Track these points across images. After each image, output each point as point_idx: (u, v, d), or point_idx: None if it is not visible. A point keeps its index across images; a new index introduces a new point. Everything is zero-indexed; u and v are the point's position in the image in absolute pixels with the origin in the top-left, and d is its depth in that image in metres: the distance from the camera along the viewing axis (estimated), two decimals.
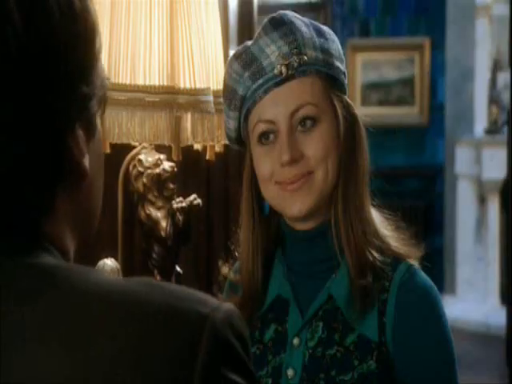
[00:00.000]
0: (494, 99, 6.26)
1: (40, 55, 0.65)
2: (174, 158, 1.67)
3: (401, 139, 6.56)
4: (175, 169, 1.80)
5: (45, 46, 0.65)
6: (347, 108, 1.27)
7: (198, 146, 1.77)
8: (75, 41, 0.68)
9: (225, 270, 1.39)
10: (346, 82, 1.30)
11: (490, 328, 5.73)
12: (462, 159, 6.25)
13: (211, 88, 1.65)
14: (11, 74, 0.63)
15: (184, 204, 1.80)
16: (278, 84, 1.23)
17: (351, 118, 1.27)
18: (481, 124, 6.31)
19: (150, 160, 1.79)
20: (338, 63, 1.28)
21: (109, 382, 0.59)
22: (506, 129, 5.11)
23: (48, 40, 0.65)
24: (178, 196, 1.82)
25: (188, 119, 1.63)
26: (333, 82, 1.26)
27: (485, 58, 6.27)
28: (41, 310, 0.62)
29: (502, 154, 4.95)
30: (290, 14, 1.27)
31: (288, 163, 1.21)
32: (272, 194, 1.26)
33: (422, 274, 1.25)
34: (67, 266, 0.67)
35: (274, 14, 1.27)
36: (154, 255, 1.81)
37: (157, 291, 0.63)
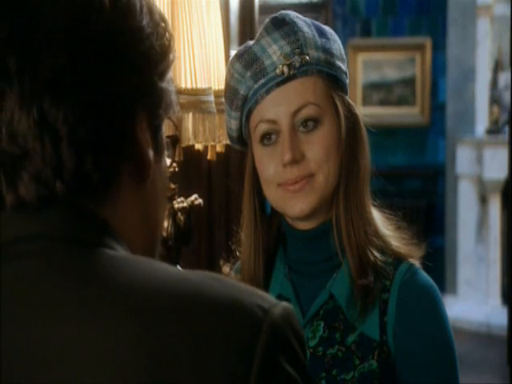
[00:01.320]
0: (495, 99, 6.25)
1: (125, 36, 0.70)
2: (176, 157, 1.67)
3: (402, 139, 6.56)
4: (176, 169, 1.80)
5: (129, 28, 0.71)
6: (348, 108, 1.27)
7: (199, 146, 1.77)
8: (156, 37, 0.74)
9: (226, 269, 1.39)
10: (347, 81, 1.30)
11: (492, 328, 5.73)
12: (463, 159, 6.24)
13: (212, 88, 1.65)
14: (97, 48, 0.68)
15: (185, 204, 1.80)
16: (279, 84, 1.23)
17: (352, 118, 1.27)
18: (482, 124, 6.30)
19: None
20: (339, 63, 1.28)
21: (168, 372, 0.60)
22: (507, 129, 5.11)
23: (131, 25, 0.71)
24: (179, 196, 1.82)
25: (189, 119, 1.63)
26: (334, 81, 1.26)
27: (486, 57, 6.27)
28: (97, 297, 0.63)
29: (503, 153, 4.94)
30: (292, 13, 1.27)
31: (289, 163, 1.21)
32: (275, 197, 1.26)
33: (423, 274, 1.25)
34: (131, 256, 0.69)
35: (276, 14, 1.27)
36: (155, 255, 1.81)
37: (220, 284, 0.65)
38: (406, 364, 1.21)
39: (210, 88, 1.64)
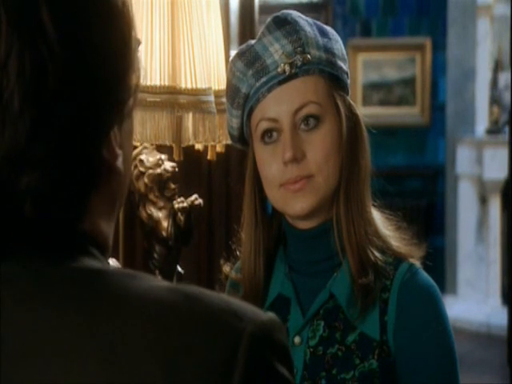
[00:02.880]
0: (495, 99, 6.25)
1: (75, 65, 0.63)
2: (176, 158, 1.67)
3: (402, 139, 6.56)
4: (176, 169, 1.80)
5: (80, 55, 0.63)
6: (349, 108, 1.27)
7: (199, 146, 1.77)
8: (111, 45, 0.66)
9: (226, 269, 1.39)
10: (348, 82, 1.30)
11: (492, 328, 5.73)
12: (463, 159, 6.25)
13: (212, 88, 1.65)
14: (46, 90, 0.62)
15: (185, 204, 1.80)
16: (281, 82, 1.23)
17: (353, 118, 1.27)
18: (482, 124, 6.30)
19: (152, 160, 1.79)
20: (340, 63, 1.28)
21: None
22: (507, 129, 5.11)
23: (83, 47, 0.64)
24: (180, 196, 1.82)
25: (189, 119, 1.63)
26: (336, 81, 1.27)
27: (486, 57, 6.27)
28: (75, 316, 0.61)
29: (503, 153, 4.94)
30: (294, 13, 1.28)
31: (290, 160, 1.21)
32: (276, 197, 1.26)
33: (424, 274, 1.26)
34: (108, 271, 0.65)
35: (278, 13, 1.27)
36: (156, 255, 1.81)
37: (194, 303, 0.62)
38: (406, 364, 1.21)
39: (210, 88, 1.64)
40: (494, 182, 6.00)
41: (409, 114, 6.52)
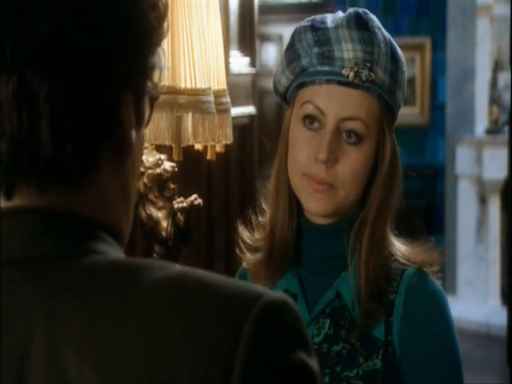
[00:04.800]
0: (494, 99, 6.25)
1: (120, 10, 0.66)
2: (175, 157, 1.67)
3: (401, 139, 6.43)
4: (176, 169, 1.80)
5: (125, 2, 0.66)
6: (394, 144, 1.28)
7: (198, 146, 1.77)
8: (149, 10, 0.68)
9: (242, 231, 1.37)
10: (397, 115, 1.30)
11: (491, 328, 5.73)
12: (463, 159, 6.24)
13: (212, 88, 1.65)
14: (90, 21, 0.64)
15: (185, 204, 1.80)
16: (340, 83, 1.23)
17: (396, 157, 1.30)
18: (481, 124, 6.30)
19: (151, 160, 1.79)
20: (399, 95, 1.28)
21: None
22: (506, 129, 5.10)
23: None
24: (179, 196, 1.82)
25: (189, 119, 1.63)
26: (388, 112, 1.27)
27: (485, 57, 6.27)
28: (93, 307, 0.62)
29: (503, 153, 4.94)
30: (376, 22, 1.28)
31: (322, 161, 1.21)
32: (297, 183, 1.26)
33: (431, 278, 1.26)
34: (118, 262, 0.66)
35: (360, 11, 1.28)
36: (155, 255, 1.81)
37: (201, 292, 0.62)
38: (410, 365, 1.21)
39: (209, 88, 1.64)
40: (494, 182, 5.99)
41: (408, 113, 6.52)
